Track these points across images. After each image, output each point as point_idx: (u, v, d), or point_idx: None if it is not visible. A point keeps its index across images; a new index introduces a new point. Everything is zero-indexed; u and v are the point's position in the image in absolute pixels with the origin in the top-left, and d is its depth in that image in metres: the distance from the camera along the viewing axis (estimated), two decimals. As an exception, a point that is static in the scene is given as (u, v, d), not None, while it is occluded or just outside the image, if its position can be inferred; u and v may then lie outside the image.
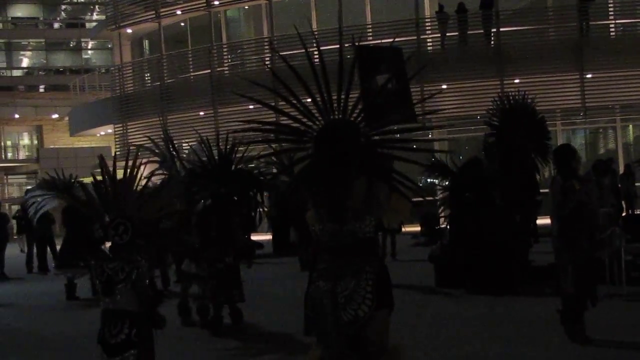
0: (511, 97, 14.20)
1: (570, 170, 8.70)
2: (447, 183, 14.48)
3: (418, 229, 22.08)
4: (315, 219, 5.65)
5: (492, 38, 28.00)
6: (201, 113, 30.74)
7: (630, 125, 29.64)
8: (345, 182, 5.48)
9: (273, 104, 26.07)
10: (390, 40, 26.17)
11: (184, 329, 10.74)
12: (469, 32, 28.10)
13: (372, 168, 5.67)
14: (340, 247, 5.51)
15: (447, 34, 28.37)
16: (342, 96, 5.63)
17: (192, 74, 32.81)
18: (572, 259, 8.55)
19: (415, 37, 27.85)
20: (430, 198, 21.95)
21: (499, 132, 13.73)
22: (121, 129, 34.42)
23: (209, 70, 31.14)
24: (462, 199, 12.92)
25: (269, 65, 29.45)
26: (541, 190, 15.03)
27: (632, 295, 11.16)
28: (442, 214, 16.76)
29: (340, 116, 5.68)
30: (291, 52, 29.68)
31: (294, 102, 5.77)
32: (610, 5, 29.18)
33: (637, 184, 21.82)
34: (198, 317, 10.89)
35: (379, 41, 26.58)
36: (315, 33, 29.47)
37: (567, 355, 8.20)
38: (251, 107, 29.01)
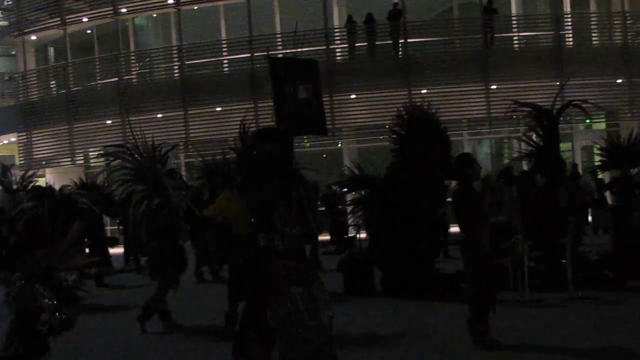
0: (415, 107, 14.39)
1: (465, 178, 8.92)
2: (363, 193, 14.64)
3: (328, 237, 22.20)
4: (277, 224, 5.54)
5: (400, 49, 28.39)
6: (108, 122, 30.27)
7: (534, 135, 30.30)
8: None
9: (182, 112, 25.75)
10: (300, 50, 26.44)
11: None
12: (377, 43, 28.44)
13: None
14: (292, 252, 5.48)
15: (356, 44, 28.67)
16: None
17: (99, 82, 32.29)
18: (473, 264, 8.78)
19: (324, 47, 28.04)
20: (339, 207, 22.18)
21: (403, 142, 13.95)
22: (25, 137, 33.60)
23: (116, 79, 30.71)
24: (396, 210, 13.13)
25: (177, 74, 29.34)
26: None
27: (535, 301, 11.45)
28: (352, 223, 16.96)
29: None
30: (201, 60, 29.66)
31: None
32: (513, 18, 29.99)
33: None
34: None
35: (288, 51, 26.71)
36: (224, 42, 29.61)
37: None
38: (159, 115, 28.79)
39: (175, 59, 29.98)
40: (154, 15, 33.05)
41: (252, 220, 5.64)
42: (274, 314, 5.38)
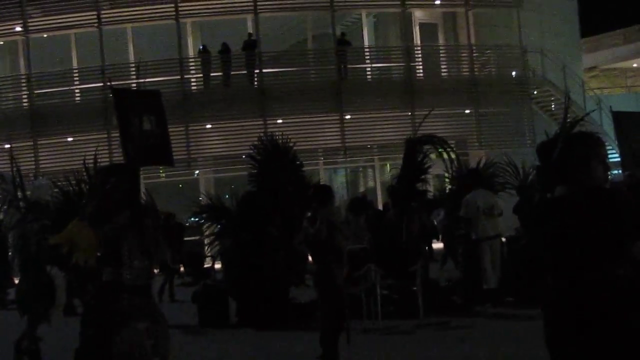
0: (274, 138, 14.55)
1: (320, 210, 8.96)
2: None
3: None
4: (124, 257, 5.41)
5: (255, 79, 28.49)
6: (-47, 153, 28.94)
7: (388, 164, 31.00)
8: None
9: (31, 143, 24.79)
10: (154, 79, 26.18)
11: None
12: (232, 73, 28.45)
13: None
14: (138, 286, 5.36)
15: (211, 74, 28.59)
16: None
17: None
18: (325, 297, 8.82)
19: (179, 77, 27.82)
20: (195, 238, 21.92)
21: (261, 170, 14.02)
22: None
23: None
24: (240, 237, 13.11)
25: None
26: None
27: (388, 329, 11.61)
28: (209, 253, 16.84)
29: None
30: (51, 89, 28.84)
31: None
32: (366, 49, 30.63)
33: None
34: None
35: (143, 80, 26.36)
36: (76, 71, 28.91)
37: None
38: (7, 146, 27.75)
39: (24, 88, 29.03)
40: (1, 42, 31.93)
41: (100, 253, 5.54)
42: (118, 348, 5.27)
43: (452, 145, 15.31)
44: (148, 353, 5.27)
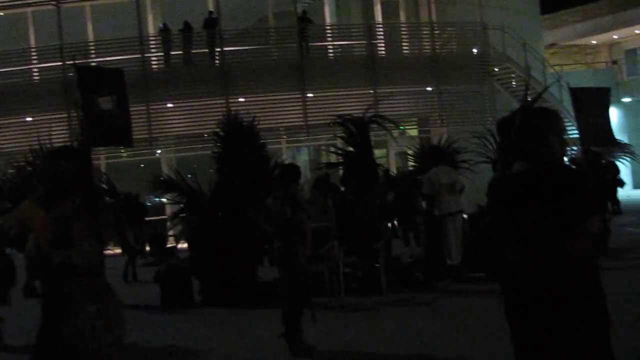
0: (237, 116, 14.50)
1: (286, 189, 8.98)
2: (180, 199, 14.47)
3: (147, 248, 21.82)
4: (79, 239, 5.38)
5: (217, 57, 28.31)
6: None
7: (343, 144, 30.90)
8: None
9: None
10: (114, 58, 25.90)
11: None
12: (193, 51, 28.23)
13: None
14: (88, 268, 5.34)
15: (172, 52, 28.34)
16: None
17: None
18: (288, 275, 8.85)
19: (139, 55, 27.55)
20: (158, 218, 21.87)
21: (225, 150, 13.97)
22: None
23: None
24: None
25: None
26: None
27: (351, 305, 11.68)
28: (172, 233, 16.79)
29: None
30: (8, 69, 28.39)
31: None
32: (327, 27, 30.57)
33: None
34: None
35: (103, 59, 26.08)
36: (34, 50, 28.51)
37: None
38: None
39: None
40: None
41: (51, 235, 5.52)
42: (69, 331, 5.28)
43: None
44: (100, 335, 5.26)
